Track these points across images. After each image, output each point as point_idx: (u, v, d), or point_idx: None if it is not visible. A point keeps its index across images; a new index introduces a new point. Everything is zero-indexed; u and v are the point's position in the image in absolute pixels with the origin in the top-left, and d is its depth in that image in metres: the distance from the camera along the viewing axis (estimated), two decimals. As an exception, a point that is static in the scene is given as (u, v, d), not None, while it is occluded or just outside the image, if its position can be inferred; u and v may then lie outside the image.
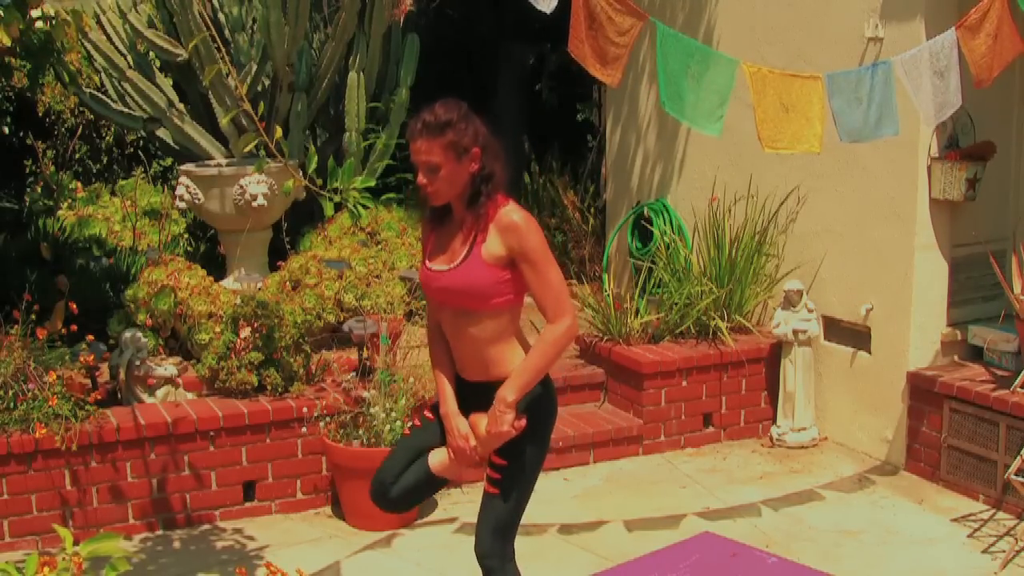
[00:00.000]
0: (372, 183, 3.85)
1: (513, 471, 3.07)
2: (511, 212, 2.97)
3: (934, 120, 4.20)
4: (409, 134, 3.00)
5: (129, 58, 6.89)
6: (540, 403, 3.07)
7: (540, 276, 2.95)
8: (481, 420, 3.05)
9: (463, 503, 4.94)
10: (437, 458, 3.17)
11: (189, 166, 6.35)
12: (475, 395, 3.13)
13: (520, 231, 2.95)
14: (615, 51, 3.71)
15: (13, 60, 5.05)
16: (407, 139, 3.02)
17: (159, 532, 4.70)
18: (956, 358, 5.34)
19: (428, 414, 3.28)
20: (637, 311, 5.97)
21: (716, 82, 3.89)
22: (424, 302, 6.02)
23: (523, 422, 3.01)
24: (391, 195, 7.43)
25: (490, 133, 3.04)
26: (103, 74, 7.05)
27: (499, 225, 2.95)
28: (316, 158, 3.86)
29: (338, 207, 4.06)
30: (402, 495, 3.18)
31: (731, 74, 3.90)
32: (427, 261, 3.12)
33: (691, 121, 3.92)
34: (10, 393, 4.52)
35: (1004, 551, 4.41)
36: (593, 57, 3.71)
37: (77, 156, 9.26)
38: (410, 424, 3.32)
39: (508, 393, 2.97)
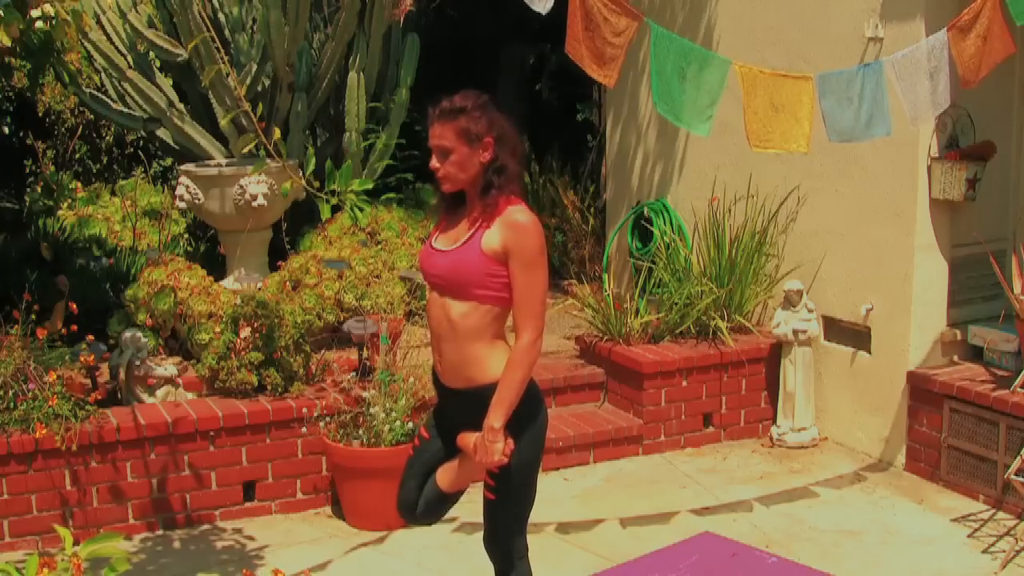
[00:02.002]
0: (370, 185, 3.86)
1: (509, 477, 3.09)
2: (519, 211, 3.00)
3: (923, 120, 4.21)
4: (429, 120, 3.06)
5: (129, 58, 6.89)
6: (527, 407, 3.07)
7: (526, 280, 2.96)
8: (470, 439, 3.07)
9: (463, 503, 4.88)
10: (443, 477, 3.25)
11: (189, 166, 6.35)
12: (456, 404, 3.15)
13: (522, 230, 2.97)
14: (611, 51, 3.72)
15: (13, 60, 5.05)
16: (428, 126, 3.08)
17: (159, 532, 4.70)
18: (956, 358, 5.34)
19: (424, 433, 3.33)
20: (637, 311, 5.97)
21: (708, 82, 3.90)
22: (424, 302, 6.03)
23: (511, 446, 3.03)
24: (391, 195, 7.42)
25: (509, 128, 3.07)
26: (103, 74, 7.05)
27: (505, 220, 2.98)
28: (314, 160, 3.86)
29: (336, 209, 4.06)
30: (427, 510, 3.32)
31: (723, 74, 3.92)
32: (431, 241, 3.16)
33: (681, 121, 3.94)
34: (10, 393, 4.52)
35: (1004, 551, 4.41)
36: (590, 57, 3.72)
37: (77, 156, 9.27)
38: (412, 444, 3.39)
39: (495, 420, 2.98)
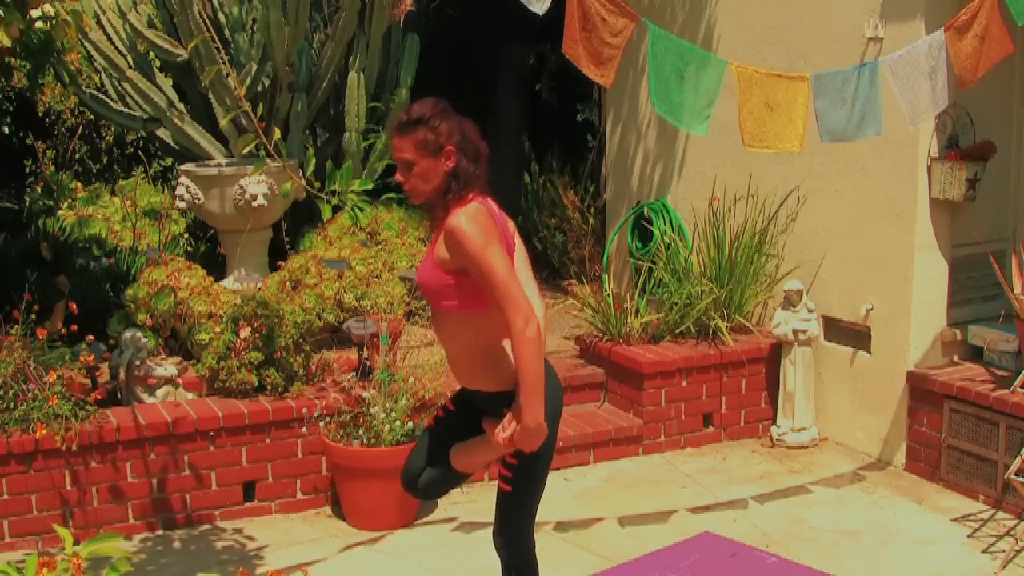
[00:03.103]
0: (370, 186, 3.86)
1: (524, 467, 3.09)
2: (457, 215, 2.92)
3: (921, 121, 4.21)
4: (388, 131, 3.03)
5: (129, 58, 6.89)
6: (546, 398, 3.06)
7: (480, 275, 2.89)
8: (493, 426, 3.05)
9: (463, 503, 4.94)
10: (457, 455, 3.22)
11: (189, 166, 6.35)
12: (475, 397, 3.15)
13: (456, 236, 2.89)
14: (609, 52, 3.73)
15: (13, 60, 5.05)
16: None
17: (159, 532, 4.70)
18: (956, 358, 5.34)
19: (450, 404, 3.31)
20: (637, 311, 5.97)
21: (706, 82, 3.91)
22: (424, 302, 6.03)
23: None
24: (391, 195, 7.42)
25: (470, 132, 3.02)
26: (103, 74, 7.05)
27: (445, 228, 2.94)
28: (314, 160, 3.86)
29: (336, 209, 4.06)
30: (429, 486, 3.28)
31: (720, 74, 3.93)
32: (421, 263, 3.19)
33: (679, 121, 3.94)
34: (10, 393, 4.52)
35: (1004, 551, 4.41)
36: (587, 58, 3.72)
37: (77, 156, 9.27)
38: (434, 414, 3.37)
39: (533, 418, 2.90)
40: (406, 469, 3.28)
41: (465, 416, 3.22)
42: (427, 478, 3.25)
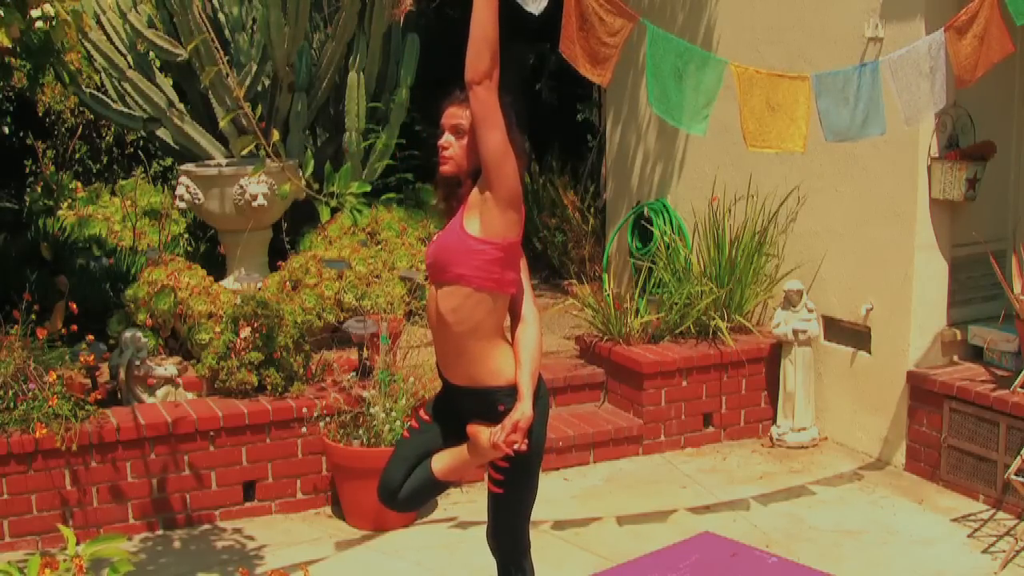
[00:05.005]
0: (368, 188, 3.86)
1: (515, 468, 3.07)
2: None
3: (918, 120, 4.21)
4: (448, 101, 3.05)
5: (129, 58, 6.89)
6: (535, 397, 3.05)
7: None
8: (482, 431, 3.03)
9: (463, 503, 4.94)
10: (441, 463, 3.17)
11: (189, 166, 6.35)
12: (461, 398, 3.11)
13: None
14: (606, 51, 3.72)
15: (13, 60, 5.05)
16: (444, 107, 3.06)
17: (159, 532, 4.70)
18: (956, 358, 5.34)
19: (424, 415, 3.27)
20: (637, 311, 5.97)
21: (704, 82, 3.90)
22: (424, 302, 6.03)
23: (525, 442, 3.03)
24: (391, 195, 7.43)
25: (515, 126, 3.05)
26: (103, 74, 7.05)
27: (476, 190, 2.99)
28: (312, 162, 3.86)
29: (334, 211, 4.07)
30: (409, 497, 3.21)
31: (719, 74, 3.92)
32: (434, 239, 3.17)
33: (677, 121, 3.93)
34: (10, 393, 4.53)
35: (1004, 551, 4.41)
36: (584, 58, 3.72)
37: (77, 156, 9.27)
38: (408, 426, 3.34)
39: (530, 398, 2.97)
40: (383, 483, 3.21)
41: (443, 425, 3.19)
42: (408, 490, 3.18)
